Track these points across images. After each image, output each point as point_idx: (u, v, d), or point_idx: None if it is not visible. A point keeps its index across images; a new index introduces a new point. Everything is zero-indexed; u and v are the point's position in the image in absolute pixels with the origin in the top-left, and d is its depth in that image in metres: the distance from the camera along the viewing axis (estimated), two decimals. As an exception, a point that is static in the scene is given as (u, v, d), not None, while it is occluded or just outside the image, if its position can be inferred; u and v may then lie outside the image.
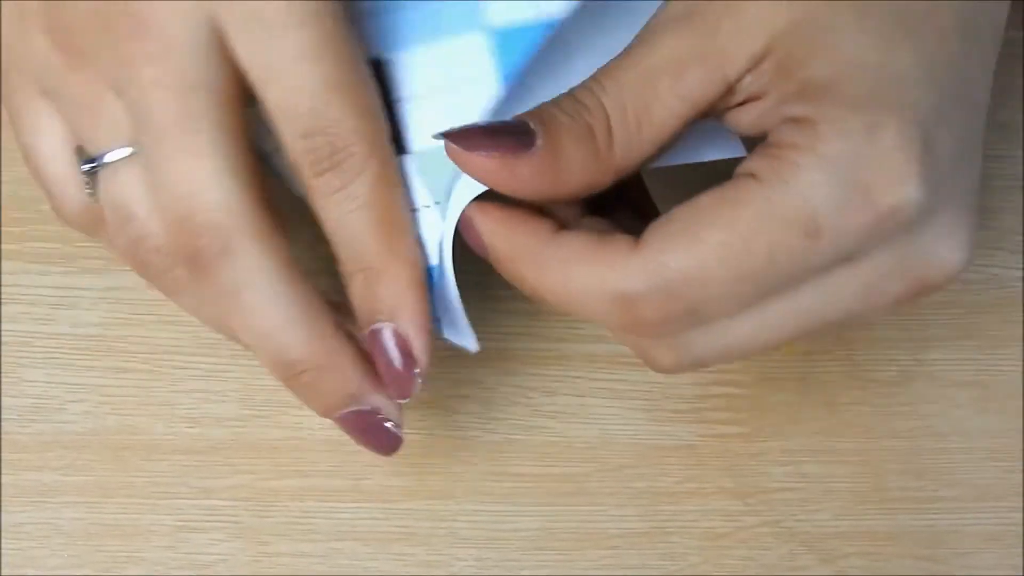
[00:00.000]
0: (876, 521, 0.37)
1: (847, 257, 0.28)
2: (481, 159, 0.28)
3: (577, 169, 0.29)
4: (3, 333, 0.37)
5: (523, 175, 0.28)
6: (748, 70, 0.28)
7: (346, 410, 0.31)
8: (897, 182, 0.27)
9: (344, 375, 0.31)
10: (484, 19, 0.31)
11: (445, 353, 0.38)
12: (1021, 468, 0.37)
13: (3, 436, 0.37)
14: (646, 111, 0.28)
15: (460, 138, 0.29)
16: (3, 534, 0.36)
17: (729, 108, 0.29)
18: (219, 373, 0.37)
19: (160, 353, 0.37)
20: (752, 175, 0.28)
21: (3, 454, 0.36)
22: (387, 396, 0.31)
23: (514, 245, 0.30)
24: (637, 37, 0.29)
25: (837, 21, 0.28)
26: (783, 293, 0.29)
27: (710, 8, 0.28)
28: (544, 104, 0.29)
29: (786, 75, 0.28)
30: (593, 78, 0.29)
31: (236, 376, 0.37)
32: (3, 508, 0.36)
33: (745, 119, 0.29)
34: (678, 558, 0.36)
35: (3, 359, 0.37)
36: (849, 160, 0.27)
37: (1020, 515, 0.37)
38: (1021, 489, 0.37)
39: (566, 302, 0.29)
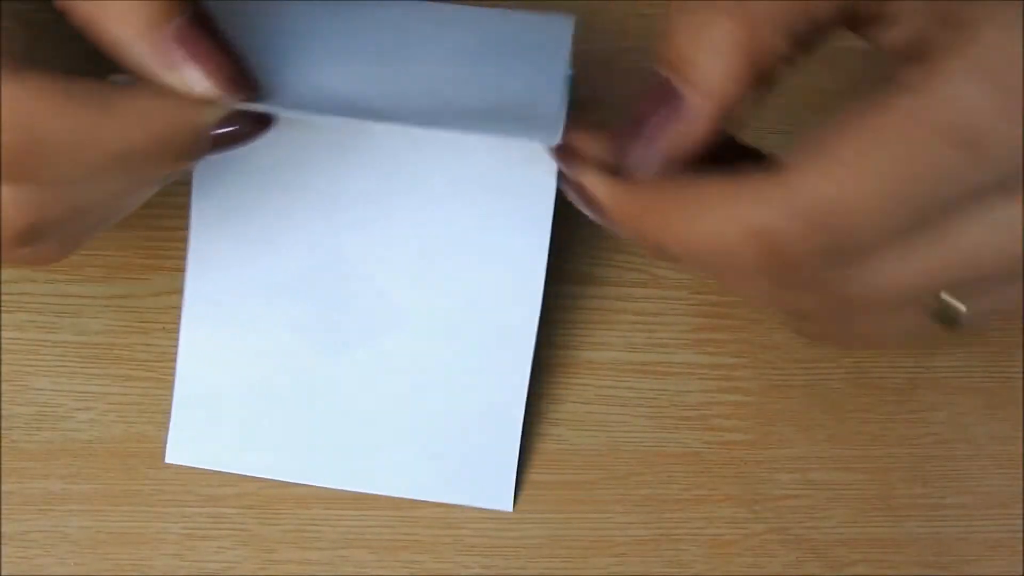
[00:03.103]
0: (882, 528, 0.37)
1: (1011, 181, 0.25)
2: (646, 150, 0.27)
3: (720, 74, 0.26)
4: (9, 341, 0.37)
5: (686, 130, 0.26)
6: None
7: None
8: None
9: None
10: None
11: (451, 360, 0.38)
12: (1027, 475, 0.37)
13: (9, 444, 0.37)
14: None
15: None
16: (9, 542, 0.36)
17: (873, 18, 0.26)
18: (225, 381, 0.37)
19: (166, 361, 0.37)
20: (899, 84, 0.25)
21: (9, 462, 0.36)
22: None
23: (635, 196, 0.27)
24: None
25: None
26: (937, 223, 0.25)
27: None
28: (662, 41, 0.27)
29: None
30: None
31: (242, 384, 0.37)
32: (9, 516, 0.36)
33: (891, 31, 0.26)
34: (684, 565, 0.36)
35: (9, 367, 0.37)
36: (1010, 61, 0.24)
37: (1026, 522, 0.37)
38: (1027, 496, 0.37)
39: (696, 248, 0.26)
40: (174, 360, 0.37)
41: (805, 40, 0.26)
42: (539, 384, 0.38)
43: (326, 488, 0.36)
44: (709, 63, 0.26)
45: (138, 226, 0.37)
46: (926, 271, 0.26)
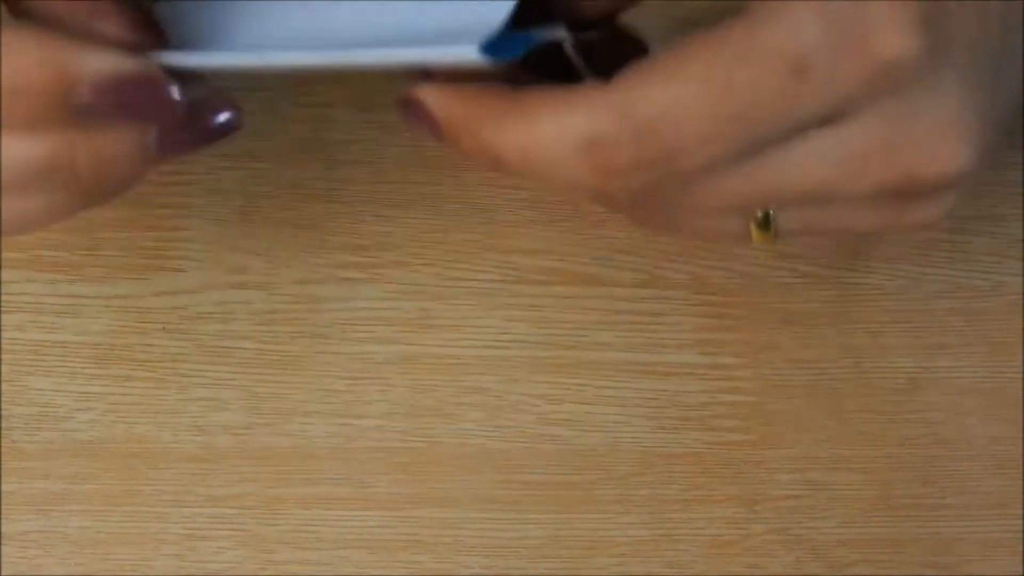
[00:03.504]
0: (882, 528, 0.37)
1: (833, 113, 0.26)
2: None
3: None
4: (9, 341, 0.37)
5: None
6: None
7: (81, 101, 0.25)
8: (900, 31, 0.25)
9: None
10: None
11: (450, 361, 0.38)
12: (1028, 475, 0.37)
13: (9, 444, 0.37)
14: None
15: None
16: (10, 542, 0.36)
17: None
18: (225, 381, 0.37)
19: (166, 361, 0.37)
20: (744, 12, 0.25)
21: (10, 463, 0.36)
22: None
23: (470, 109, 0.27)
24: None
25: None
26: (767, 147, 0.26)
27: None
28: None
29: None
30: None
31: (242, 384, 0.37)
32: (9, 516, 0.36)
33: None
34: (684, 566, 0.36)
35: (9, 367, 0.37)
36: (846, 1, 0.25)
37: (1027, 523, 0.37)
38: (1028, 497, 0.37)
39: (531, 159, 0.26)
40: (174, 360, 0.37)
41: None
42: (538, 385, 0.38)
43: (325, 489, 0.36)
44: None
45: (138, 226, 0.37)
46: (749, 188, 0.27)
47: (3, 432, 0.37)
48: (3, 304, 0.37)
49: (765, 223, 0.29)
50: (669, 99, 0.25)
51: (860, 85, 0.25)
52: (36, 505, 0.36)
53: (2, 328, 0.37)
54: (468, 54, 0.25)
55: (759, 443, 0.37)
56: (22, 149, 0.26)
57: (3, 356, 0.37)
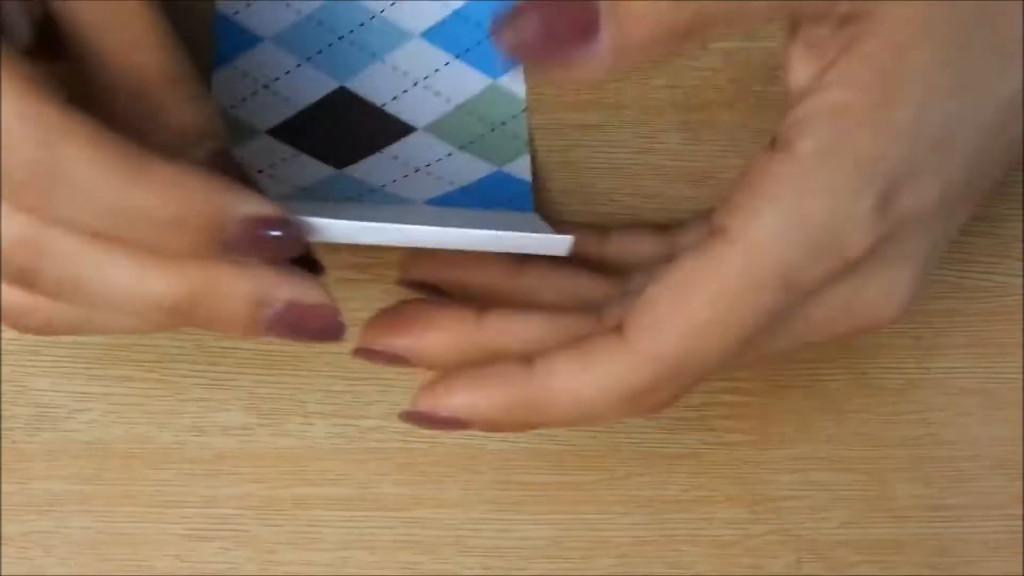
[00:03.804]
0: (883, 529, 0.37)
1: (820, 285, 0.29)
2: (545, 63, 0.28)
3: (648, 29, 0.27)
4: (9, 341, 0.37)
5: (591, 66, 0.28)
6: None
7: (265, 320, 0.28)
8: (860, 234, 0.28)
9: (236, 289, 0.27)
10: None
11: (452, 361, 0.38)
12: (1028, 476, 0.37)
13: (9, 445, 0.37)
14: None
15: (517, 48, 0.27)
16: (10, 542, 0.36)
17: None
18: (225, 381, 0.37)
19: (167, 362, 0.37)
20: (720, 236, 0.28)
21: (9, 463, 0.36)
22: (296, 276, 0.28)
23: (499, 404, 0.30)
24: None
25: (835, 65, 0.29)
26: (769, 330, 0.30)
27: None
28: None
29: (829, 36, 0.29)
30: None
31: (242, 384, 0.37)
32: (9, 516, 0.36)
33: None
34: (685, 566, 0.36)
35: (9, 367, 0.37)
36: (822, 220, 0.28)
37: (1027, 523, 0.37)
38: (1028, 497, 0.37)
39: (582, 421, 0.30)
40: (174, 360, 0.37)
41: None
42: (539, 385, 0.38)
43: (326, 490, 0.36)
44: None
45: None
46: (746, 363, 0.31)
47: (3, 432, 0.37)
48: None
49: None
50: (690, 344, 0.28)
51: (829, 279, 0.29)
52: (36, 505, 0.36)
53: (2, 328, 0.37)
54: (560, 245, 0.30)
55: (760, 443, 0.37)
56: (163, 283, 0.27)
57: (3, 356, 0.37)
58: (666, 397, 0.30)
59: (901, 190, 0.28)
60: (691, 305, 0.28)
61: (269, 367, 0.37)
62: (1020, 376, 0.38)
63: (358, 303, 0.38)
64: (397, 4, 0.38)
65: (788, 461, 0.37)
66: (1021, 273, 0.39)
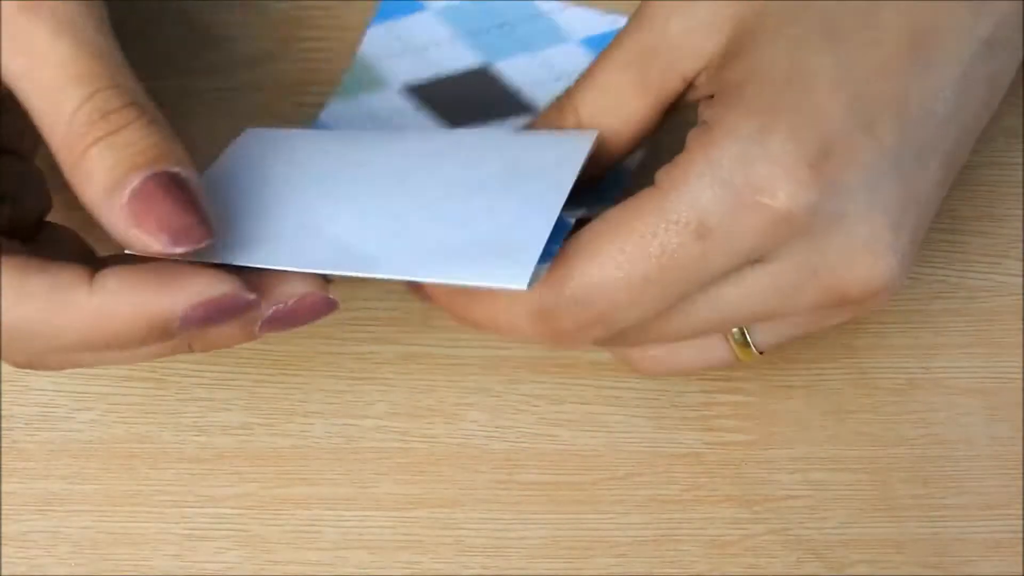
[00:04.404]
0: (883, 529, 0.37)
1: (751, 258, 0.30)
2: None
3: None
4: (9, 341, 0.37)
5: None
6: (702, 68, 0.31)
7: (180, 329, 0.29)
8: (787, 184, 0.28)
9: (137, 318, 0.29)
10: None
11: (451, 362, 0.38)
12: (1028, 476, 0.37)
13: (10, 444, 0.37)
14: (615, 107, 0.32)
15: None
16: (10, 542, 0.36)
17: (700, 102, 0.32)
18: (225, 381, 0.37)
19: (166, 362, 0.37)
20: (654, 184, 0.30)
21: (10, 462, 0.36)
22: (201, 276, 0.29)
23: (452, 291, 0.32)
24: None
25: (761, 24, 0.30)
26: (696, 293, 0.30)
27: (659, 7, 0.31)
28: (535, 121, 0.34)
29: (715, 77, 0.30)
30: (567, 89, 0.33)
31: (242, 384, 0.37)
32: (9, 516, 0.36)
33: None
34: (685, 566, 0.36)
35: (9, 368, 0.37)
36: (737, 163, 0.29)
37: (1027, 523, 0.37)
38: (1028, 497, 0.37)
39: (498, 326, 0.32)
40: (174, 360, 0.37)
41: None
42: (539, 385, 0.38)
43: (325, 490, 0.36)
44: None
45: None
46: (697, 324, 0.31)
47: (3, 432, 0.37)
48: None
49: (744, 343, 0.33)
50: (595, 271, 0.30)
51: (762, 236, 0.29)
52: (36, 505, 0.36)
53: (2, 328, 0.37)
54: (517, 286, 0.29)
55: (759, 443, 0.37)
56: (136, 356, 0.31)
57: (3, 356, 0.37)
58: (569, 326, 0.30)
59: (836, 142, 0.29)
60: (604, 238, 0.30)
61: (269, 367, 0.38)
62: (1020, 376, 0.38)
63: (358, 303, 0.38)
64: (568, 10, 0.41)
65: (788, 461, 0.37)
66: (1021, 273, 0.39)
